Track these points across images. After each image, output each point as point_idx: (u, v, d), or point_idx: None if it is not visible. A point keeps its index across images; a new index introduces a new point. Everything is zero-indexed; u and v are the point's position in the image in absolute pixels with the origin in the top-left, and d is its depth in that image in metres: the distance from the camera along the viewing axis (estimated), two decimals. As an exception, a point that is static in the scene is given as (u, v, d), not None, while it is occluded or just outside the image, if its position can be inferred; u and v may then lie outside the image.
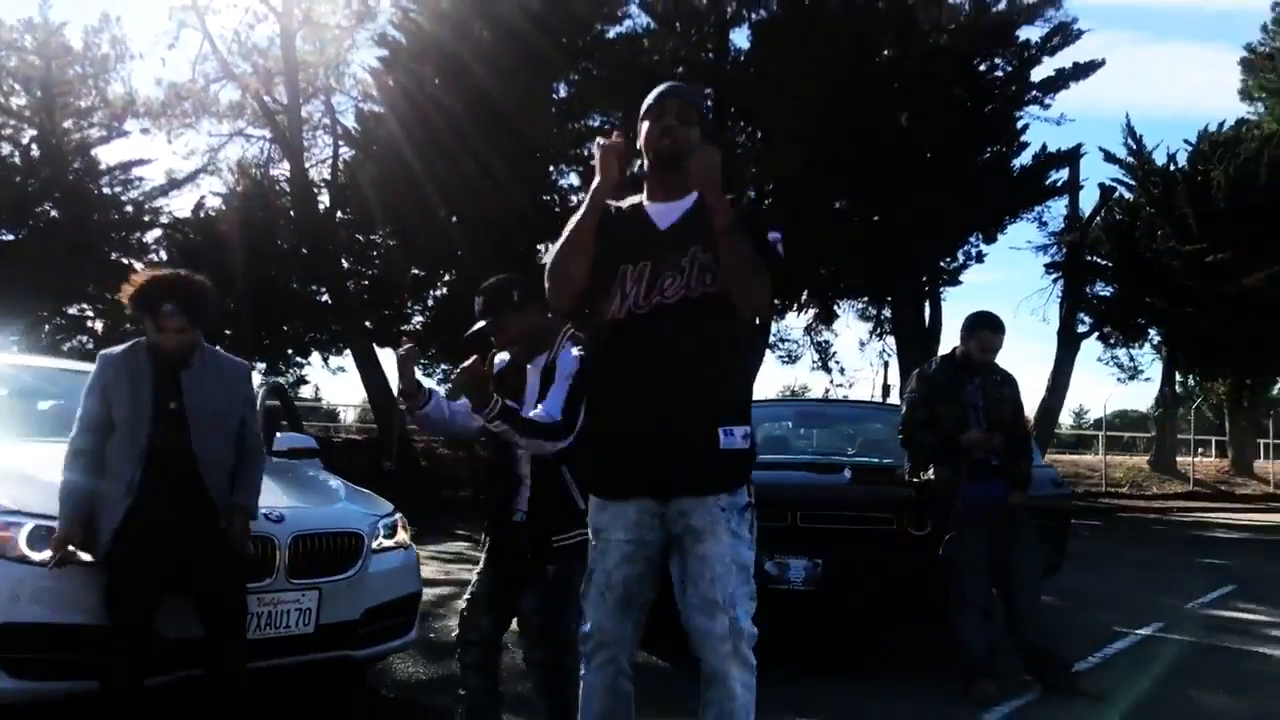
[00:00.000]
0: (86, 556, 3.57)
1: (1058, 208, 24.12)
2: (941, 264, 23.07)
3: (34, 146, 20.32)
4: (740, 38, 22.12)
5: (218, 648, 3.68)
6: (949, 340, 20.00)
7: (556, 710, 3.53)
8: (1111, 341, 28.11)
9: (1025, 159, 21.84)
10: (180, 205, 24.77)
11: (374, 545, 4.45)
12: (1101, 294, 26.04)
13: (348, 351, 22.30)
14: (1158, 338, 27.63)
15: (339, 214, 22.16)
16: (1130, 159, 25.86)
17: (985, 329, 5.20)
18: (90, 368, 3.92)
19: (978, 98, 20.83)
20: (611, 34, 21.75)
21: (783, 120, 20.52)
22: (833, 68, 19.60)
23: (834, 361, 26.65)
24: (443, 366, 22.15)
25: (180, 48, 23.23)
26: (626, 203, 2.86)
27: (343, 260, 21.47)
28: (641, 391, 2.66)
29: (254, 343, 21.23)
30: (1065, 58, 21.29)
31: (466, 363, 3.20)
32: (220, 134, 22.74)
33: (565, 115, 20.97)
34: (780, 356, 26.59)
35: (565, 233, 2.72)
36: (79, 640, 3.58)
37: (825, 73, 19.50)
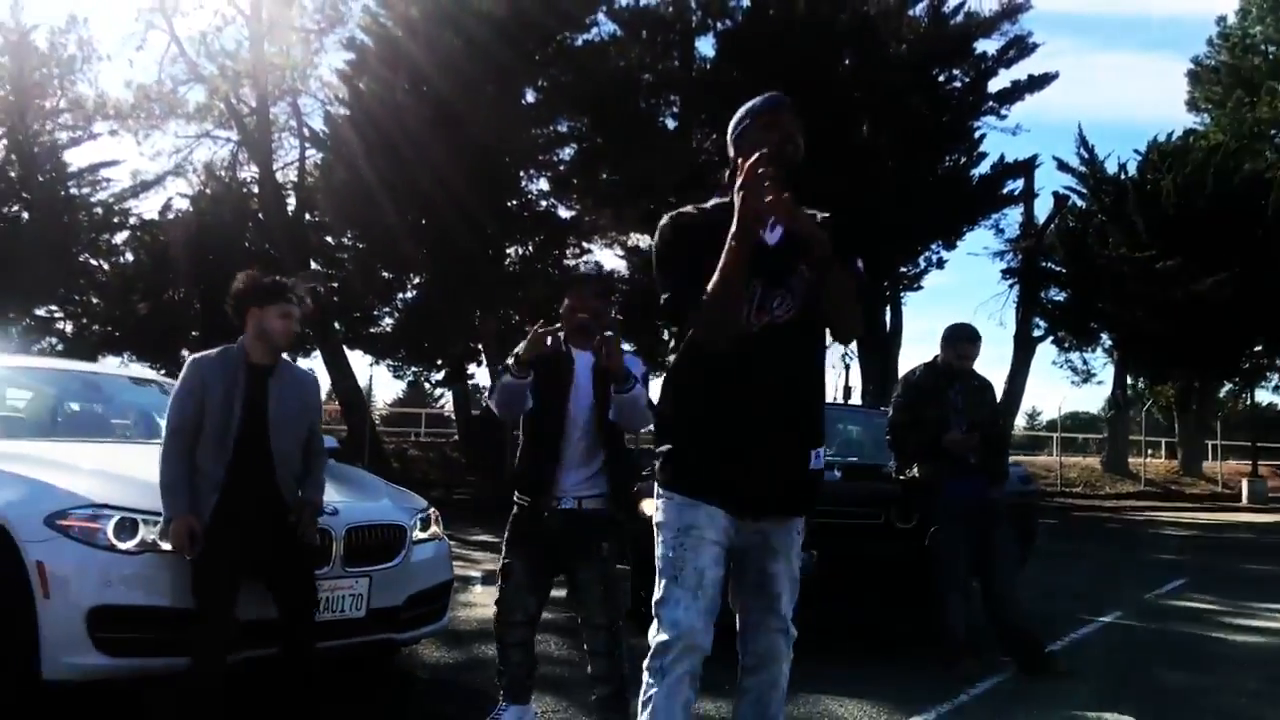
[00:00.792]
0: (167, 545, 3.84)
1: (1014, 215, 24.81)
2: (902, 269, 23.61)
3: (2, 148, 20.30)
4: (706, 46, 22.50)
5: (292, 629, 3.96)
6: (909, 343, 20.51)
7: (614, 669, 3.88)
8: (1065, 345, 28.94)
9: (984, 168, 22.50)
10: (149, 207, 24.78)
11: (414, 537, 4.74)
12: (1056, 299, 26.78)
13: (316, 353, 22.39)
14: (1109, 341, 28.42)
15: (306, 216, 22.29)
16: (1083, 168, 26.65)
17: (963, 340, 5.73)
18: (137, 373, 4.15)
19: (936, 108, 21.37)
20: (579, 41, 22.04)
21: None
22: (796, 77, 20.04)
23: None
24: (413, 368, 22.32)
25: (148, 49, 23.13)
26: (710, 210, 2.70)
27: (310, 262, 21.58)
28: (749, 415, 2.59)
29: (222, 343, 21.27)
30: (1021, 70, 22.00)
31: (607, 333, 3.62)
32: (188, 136, 22.84)
33: (532, 120, 21.23)
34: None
35: (722, 273, 2.47)
36: (165, 621, 3.84)
37: (788, 82, 19.89)
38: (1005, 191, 22.98)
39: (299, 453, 4.12)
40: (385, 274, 21.71)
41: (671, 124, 22.79)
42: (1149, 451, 31.47)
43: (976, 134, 22.34)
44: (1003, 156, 22.60)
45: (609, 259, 55.16)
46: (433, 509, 5.12)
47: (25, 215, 20.00)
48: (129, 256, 21.78)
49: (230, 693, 3.83)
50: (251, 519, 3.88)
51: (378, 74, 20.03)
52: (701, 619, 2.60)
